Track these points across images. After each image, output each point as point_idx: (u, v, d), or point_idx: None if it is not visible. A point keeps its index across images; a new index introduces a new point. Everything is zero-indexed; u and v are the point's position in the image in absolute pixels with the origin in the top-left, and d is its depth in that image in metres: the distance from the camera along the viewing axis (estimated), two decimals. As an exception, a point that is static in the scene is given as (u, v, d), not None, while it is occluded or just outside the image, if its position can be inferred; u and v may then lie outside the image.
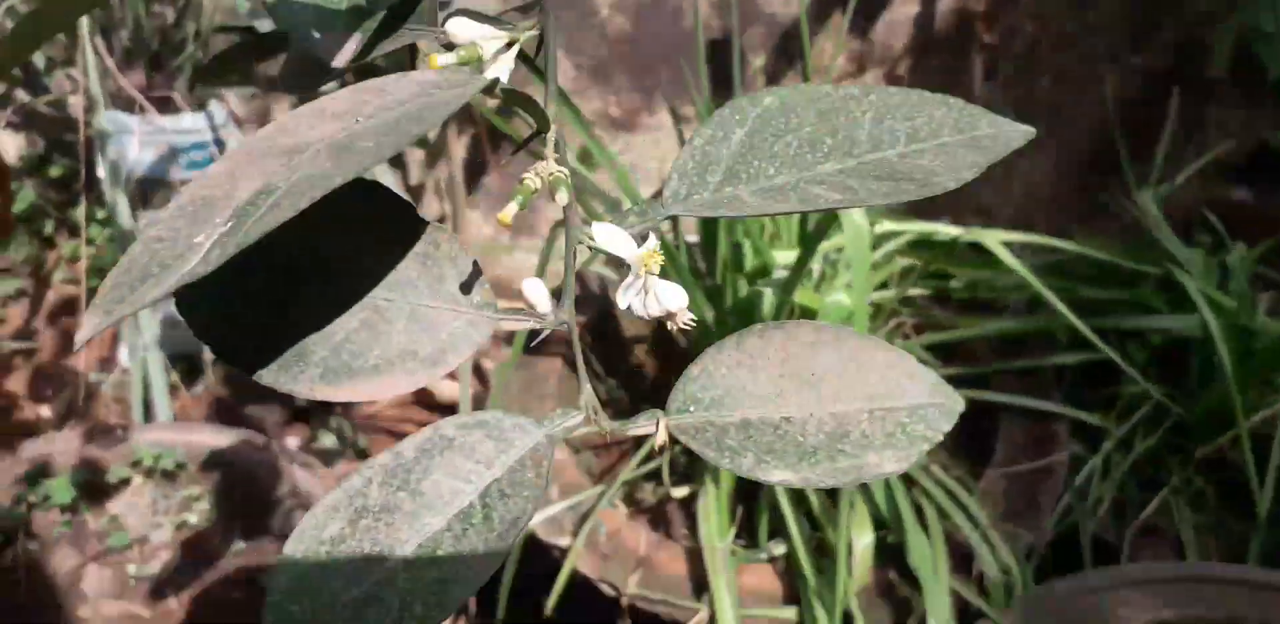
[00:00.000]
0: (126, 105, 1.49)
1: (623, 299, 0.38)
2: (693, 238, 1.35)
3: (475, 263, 0.38)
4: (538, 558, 1.07)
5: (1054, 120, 1.74)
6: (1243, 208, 1.75)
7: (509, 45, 0.38)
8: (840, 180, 0.38)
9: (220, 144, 1.54)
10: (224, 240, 0.29)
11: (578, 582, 1.04)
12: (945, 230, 1.25)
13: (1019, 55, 1.66)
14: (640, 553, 1.06)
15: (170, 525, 1.08)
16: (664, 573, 1.04)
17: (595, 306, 1.39)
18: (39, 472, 1.08)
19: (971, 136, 0.39)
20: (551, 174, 0.35)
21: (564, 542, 1.06)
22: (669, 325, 0.39)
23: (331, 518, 0.35)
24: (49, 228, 1.61)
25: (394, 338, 0.37)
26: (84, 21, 1.41)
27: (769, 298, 1.07)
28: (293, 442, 1.41)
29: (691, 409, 0.39)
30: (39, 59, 1.55)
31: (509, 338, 1.27)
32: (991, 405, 1.27)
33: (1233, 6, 1.62)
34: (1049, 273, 1.39)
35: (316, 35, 0.40)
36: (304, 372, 0.36)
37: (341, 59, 0.40)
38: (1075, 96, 1.71)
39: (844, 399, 0.39)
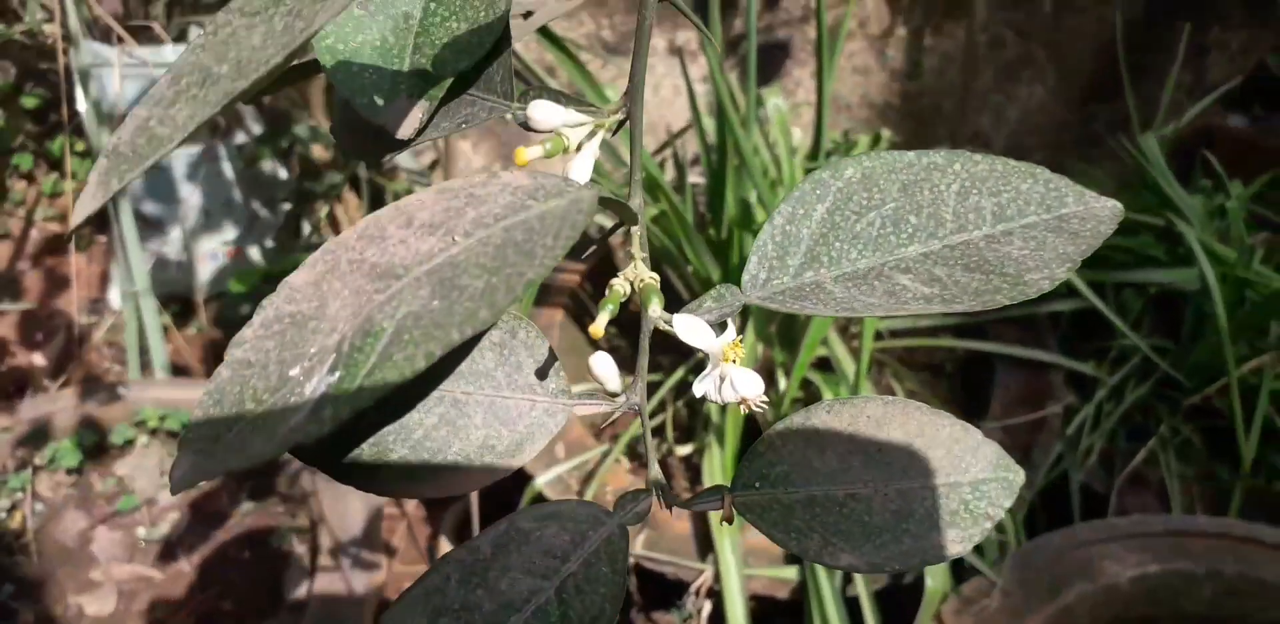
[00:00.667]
0: (104, 35, 1.43)
1: (699, 387, 0.38)
2: (696, 179, 1.33)
3: (551, 349, 0.37)
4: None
5: (1053, 44, 1.71)
6: (1238, 136, 1.74)
7: (594, 130, 0.36)
8: (927, 268, 0.37)
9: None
10: (334, 397, 0.28)
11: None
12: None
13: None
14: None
15: (178, 485, 1.07)
16: (669, 533, 1.06)
17: (596, 254, 1.37)
18: (40, 433, 1.07)
19: (1059, 216, 0.38)
20: (644, 282, 0.34)
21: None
22: (743, 409, 0.38)
23: (410, 615, 0.34)
24: (27, 162, 1.56)
25: (472, 433, 0.36)
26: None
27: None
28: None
29: (757, 485, 0.39)
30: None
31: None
32: (988, 355, 1.28)
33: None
34: (1049, 220, 1.38)
35: (386, 93, 0.38)
36: (385, 471, 0.35)
37: (406, 130, 0.37)
38: (1077, 20, 1.68)
39: (910, 475, 0.39)
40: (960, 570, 1.09)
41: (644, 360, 0.38)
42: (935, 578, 1.01)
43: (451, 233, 0.31)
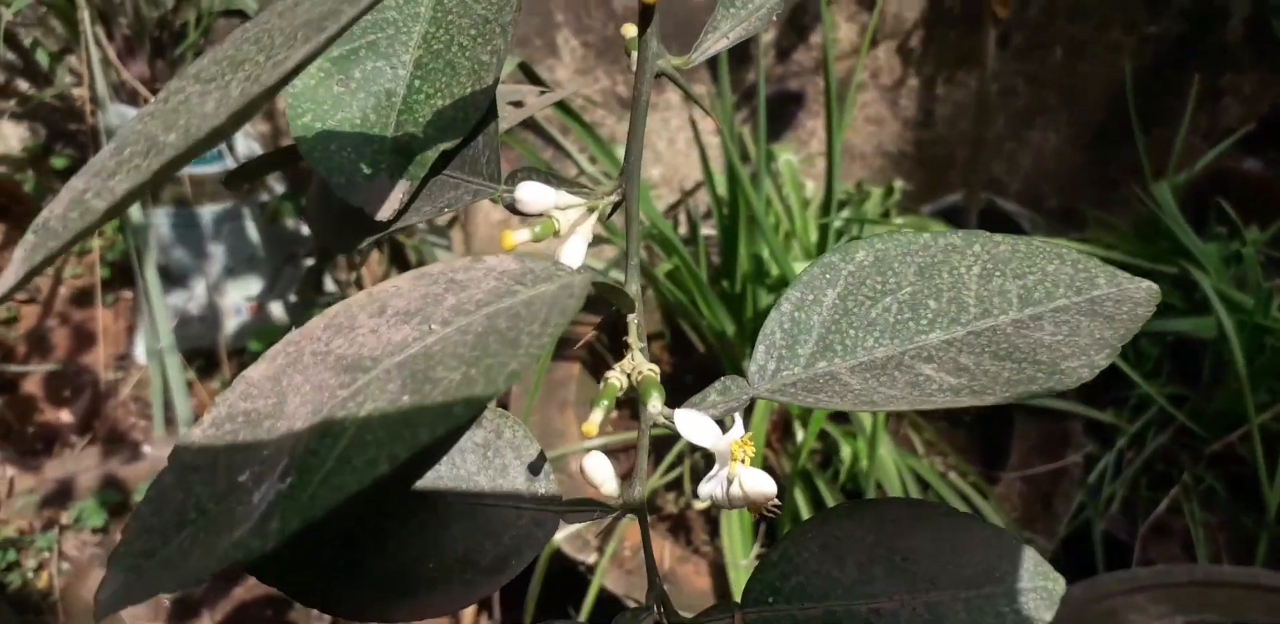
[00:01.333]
0: (130, 98, 1.42)
1: (704, 489, 0.33)
2: (709, 232, 1.29)
3: (541, 452, 0.33)
4: (563, 574, 1.03)
5: (1067, 91, 1.67)
6: (1253, 180, 1.68)
7: (587, 213, 0.32)
8: (951, 356, 0.32)
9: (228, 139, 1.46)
10: (284, 507, 0.23)
11: (603, 597, 1.01)
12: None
13: (1033, 25, 1.59)
14: (665, 567, 1.03)
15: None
16: (688, 589, 1.01)
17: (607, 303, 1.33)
18: (65, 492, 1.04)
19: (1091, 298, 0.34)
20: (643, 375, 0.29)
21: (590, 558, 1.02)
22: (753, 515, 0.34)
23: None
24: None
25: (451, 546, 0.31)
26: (84, 11, 1.32)
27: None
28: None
29: (770, 600, 0.34)
30: (41, 51, 1.47)
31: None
32: (1004, 405, 1.22)
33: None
34: (1063, 267, 1.33)
35: (362, 174, 0.34)
36: (353, 592, 0.31)
37: (387, 210, 0.34)
38: (1089, 67, 1.64)
39: (939, 585, 0.34)
40: None
41: (643, 460, 0.34)
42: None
43: (428, 321, 0.27)
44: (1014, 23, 1.59)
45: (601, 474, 0.34)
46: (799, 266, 1.07)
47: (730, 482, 0.33)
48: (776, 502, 0.34)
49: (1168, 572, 1.07)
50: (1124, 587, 1.04)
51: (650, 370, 0.30)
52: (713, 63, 1.28)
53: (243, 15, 1.54)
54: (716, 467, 0.33)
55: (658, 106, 1.64)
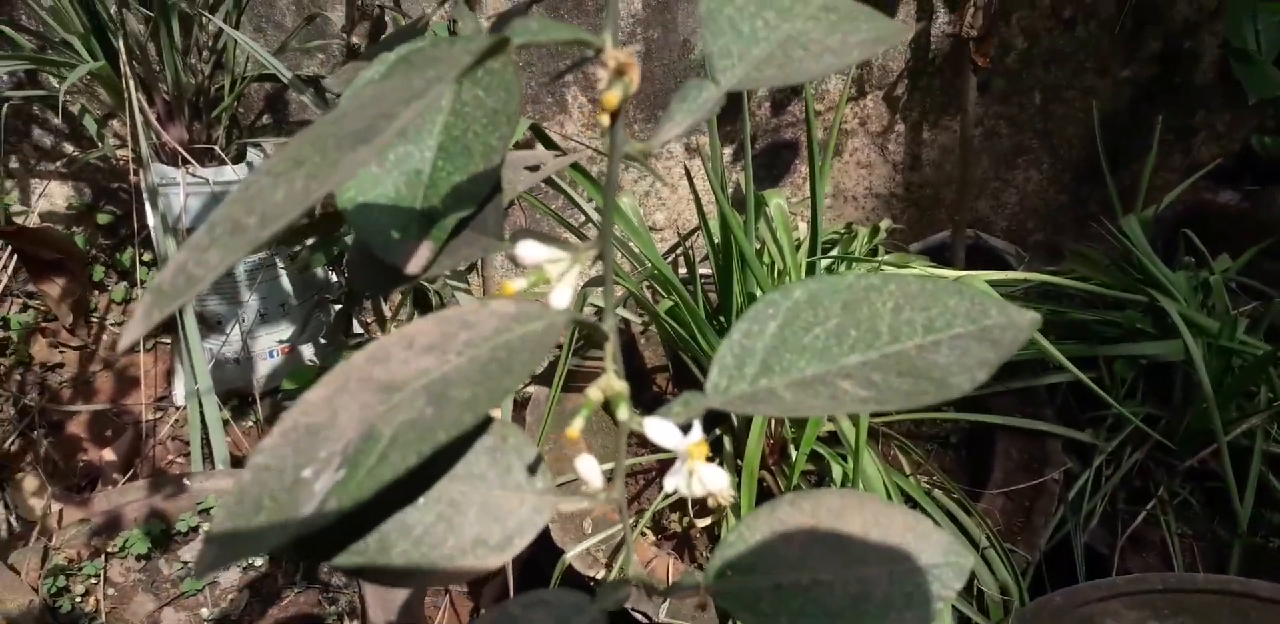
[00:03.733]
0: (170, 157, 1.51)
1: (670, 482, 0.41)
2: (706, 271, 1.37)
3: (539, 454, 0.40)
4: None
5: (1045, 133, 1.75)
6: (1229, 211, 1.76)
7: (572, 265, 0.40)
8: (865, 374, 0.40)
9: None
10: (339, 491, 0.31)
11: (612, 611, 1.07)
12: (942, 273, 1.26)
13: (1011, 71, 1.68)
14: (669, 583, 1.09)
15: (237, 569, 1.11)
16: (689, 601, 1.07)
17: (619, 340, 1.41)
18: (113, 523, 1.12)
19: (983, 327, 0.41)
20: (614, 391, 0.37)
21: (599, 574, 1.09)
22: (710, 502, 0.41)
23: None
24: (99, 273, 1.63)
25: (466, 529, 0.39)
26: (129, 80, 1.42)
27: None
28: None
29: (729, 574, 0.41)
30: (89, 117, 1.57)
31: (543, 377, 1.29)
32: (989, 426, 1.29)
33: (1215, 16, 1.62)
34: (1042, 297, 1.41)
35: (394, 237, 0.42)
36: (388, 563, 0.38)
37: (415, 266, 0.42)
38: (1066, 110, 1.72)
39: (867, 562, 0.41)
40: (969, 634, 1.09)
41: (622, 459, 0.42)
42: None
43: (446, 352, 0.35)
44: (994, 70, 1.68)
45: (589, 472, 0.41)
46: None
47: (691, 475, 0.40)
48: (731, 492, 0.41)
49: (1143, 579, 1.12)
50: (1101, 594, 1.10)
51: (620, 387, 0.38)
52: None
53: (274, 80, 1.64)
54: (679, 463, 0.40)
55: (661, 156, 1.73)
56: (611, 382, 0.38)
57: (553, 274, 0.40)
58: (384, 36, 1.60)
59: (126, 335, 0.31)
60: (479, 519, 0.39)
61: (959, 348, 0.40)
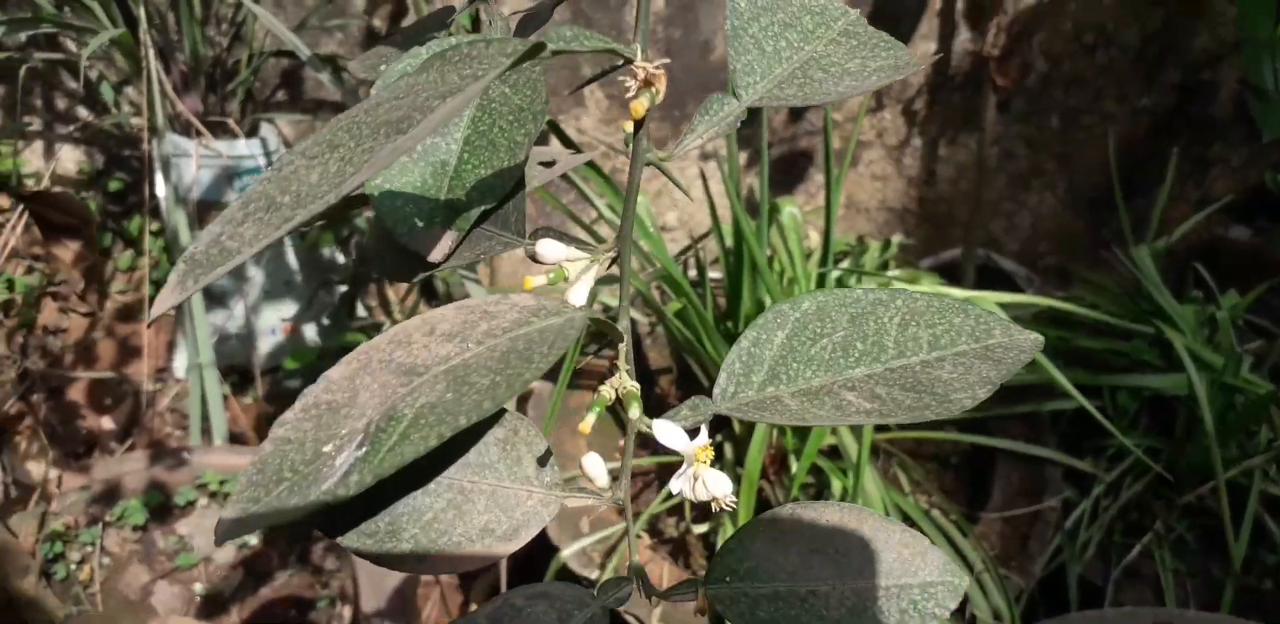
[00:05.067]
0: (184, 127, 1.53)
1: (675, 484, 0.42)
2: (716, 275, 1.39)
3: (549, 447, 0.42)
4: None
5: (1063, 157, 1.76)
6: (1240, 247, 1.77)
7: (590, 264, 0.42)
8: (869, 387, 0.42)
9: (274, 169, 1.58)
10: (361, 467, 0.33)
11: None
12: (952, 292, 1.28)
13: (1031, 93, 1.69)
14: (663, 588, 1.11)
15: (233, 546, 1.13)
16: (684, 606, 1.09)
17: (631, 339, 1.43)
18: (111, 492, 1.14)
19: (986, 346, 0.43)
20: (626, 390, 0.39)
21: (593, 574, 1.11)
22: (714, 506, 0.43)
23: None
24: (105, 240, 1.65)
25: (475, 517, 0.41)
26: (148, 49, 1.44)
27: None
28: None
29: (728, 580, 0.43)
30: (105, 83, 1.59)
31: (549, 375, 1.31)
32: (990, 450, 1.31)
33: (1237, 49, 1.63)
34: (1051, 322, 1.42)
35: (418, 225, 0.44)
36: (396, 546, 0.40)
37: (438, 254, 0.43)
38: (1084, 134, 1.74)
39: (864, 575, 0.43)
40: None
41: (628, 460, 0.43)
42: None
43: (466, 341, 0.37)
44: (1014, 90, 1.69)
45: (596, 470, 0.43)
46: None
47: (695, 479, 0.42)
48: (733, 498, 0.43)
49: (1133, 613, 1.14)
50: (1091, 624, 1.12)
51: (632, 386, 0.40)
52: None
53: (292, 56, 1.66)
54: (684, 466, 0.42)
55: (676, 156, 1.75)
56: (624, 381, 0.40)
57: (571, 272, 0.42)
58: (407, 24, 1.62)
59: (159, 304, 0.32)
60: (488, 508, 0.41)
61: (962, 365, 0.42)
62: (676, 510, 1.23)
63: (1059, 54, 1.66)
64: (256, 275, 1.58)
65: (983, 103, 1.51)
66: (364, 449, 0.33)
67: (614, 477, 0.44)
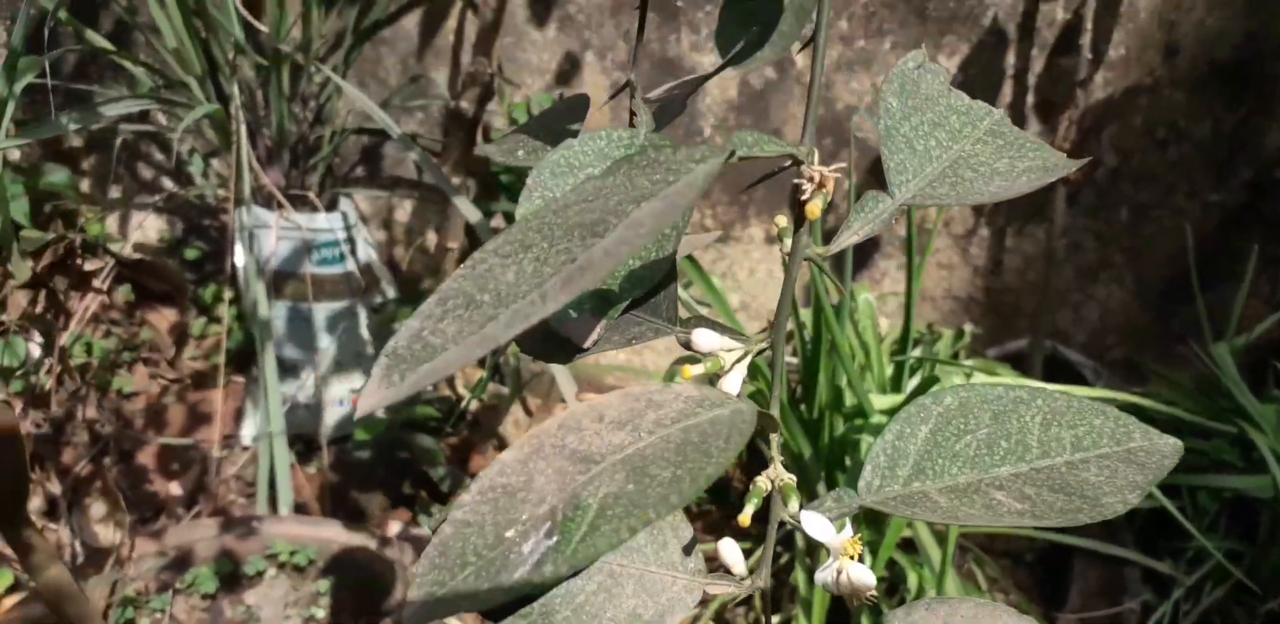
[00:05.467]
0: (266, 200, 1.58)
1: (820, 576, 0.43)
2: (793, 360, 1.40)
3: (694, 535, 0.43)
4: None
5: (1131, 250, 1.77)
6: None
7: (744, 355, 0.43)
8: (1018, 487, 0.42)
9: (351, 243, 1.63)
10: (555, 557, 0.33)
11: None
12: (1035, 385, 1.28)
13: (1101, 186, 1.71)
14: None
15: (299, 618, 1.14)
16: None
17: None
18: (183, 559, 1.15)
19: (1128, 449, 0.44)
20: (783, 482, 0.40)
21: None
22: (852, 602, 0.43)
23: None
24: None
25: (624, 601, 0.42)
26: (240, 125, 1.50)
27: (867, 441, 1.11)
28: (395, 527, 1.46)
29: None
30: (196, 156, 1.65)
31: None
32: (1065, 547, 1.29)
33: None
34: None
35: (570, 314, 0.46)
36: (551, 632, 0.41)
37: (588, 341, 0.45)
38: (1153, 228, 1.75)
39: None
40: None
41: (769, 550, 0.44)
42: None
43: (638, 429, 0.38)
44: (1083, 183, 1.71)
45: (733, 557, 0.44)
46: (875, 399, 1.17)
47: (840, 572, 0.43)
48: (874, 592, 0.44)
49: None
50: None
51: (790, 478, 0.41)
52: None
53: (372, 133, 1.72)
54: (830, 559, 0.43)
55: (741, 240, 1.78)
56: (780, 472, 0.41)
57: (726, 362, 0.43)
58: (493, 106, 1.67)
59: (365, 399, 0.33)
60: (635, 593, 0.42)
61: (1107, 468, 0.43)
62: (747, 601, 1.22)
63: (1129, 148, 1.68)
64: (329, 346, 1.61)
65: (1052, 195, 1.53)
66: (554, 538, 0.34)
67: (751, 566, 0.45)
